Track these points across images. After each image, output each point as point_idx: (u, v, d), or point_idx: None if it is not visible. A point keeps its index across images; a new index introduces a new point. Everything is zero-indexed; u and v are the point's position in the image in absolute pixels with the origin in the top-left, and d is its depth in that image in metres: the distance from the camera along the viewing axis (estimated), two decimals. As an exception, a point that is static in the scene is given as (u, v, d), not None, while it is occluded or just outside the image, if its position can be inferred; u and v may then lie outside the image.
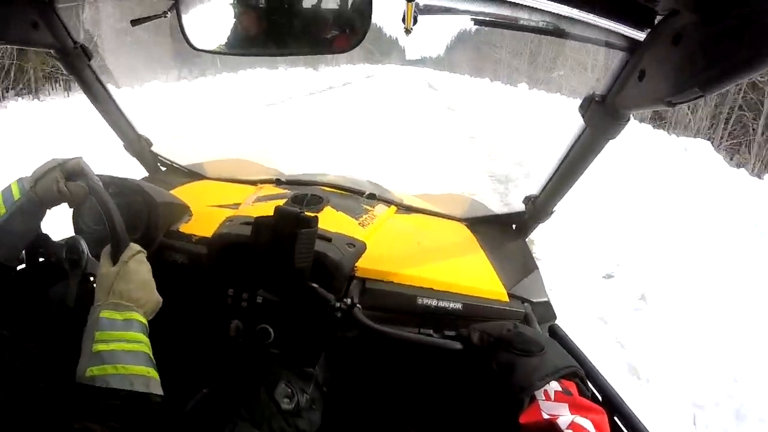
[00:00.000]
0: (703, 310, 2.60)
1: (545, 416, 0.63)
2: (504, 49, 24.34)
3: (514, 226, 1.23)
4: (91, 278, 0.87)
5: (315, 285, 0.84)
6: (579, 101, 0.85)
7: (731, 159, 9.56)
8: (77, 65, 1.05)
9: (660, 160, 5.77)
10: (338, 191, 1.24)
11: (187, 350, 0.91)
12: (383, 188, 1.35)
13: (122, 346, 0.64)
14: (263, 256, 0.83)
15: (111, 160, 1.43)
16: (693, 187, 4.81)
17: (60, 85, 8.07)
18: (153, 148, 1.32)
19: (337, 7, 0.66)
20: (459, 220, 1.26)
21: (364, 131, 7.72)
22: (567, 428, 0.60)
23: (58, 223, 0.95)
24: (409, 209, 1.26)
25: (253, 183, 1.30)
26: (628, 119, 0.80)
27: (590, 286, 2.92)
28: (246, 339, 0.88)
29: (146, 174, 1.36)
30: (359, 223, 1.06)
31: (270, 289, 0.87)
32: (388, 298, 0.91)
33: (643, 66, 0.66)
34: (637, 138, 6.44)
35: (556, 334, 0.98)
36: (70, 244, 0.82)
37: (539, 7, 0.71)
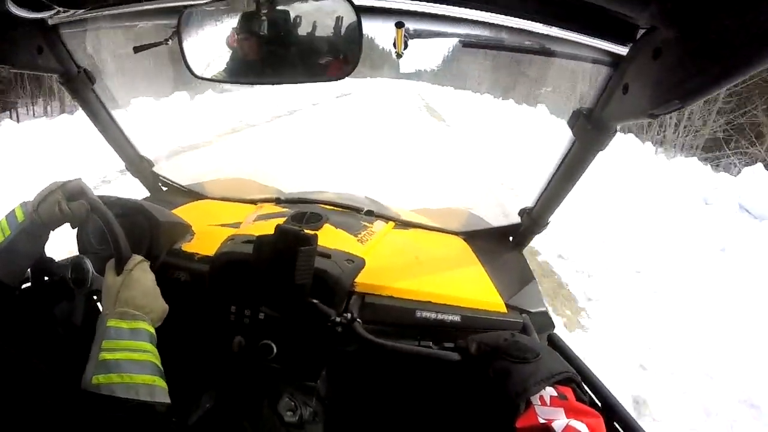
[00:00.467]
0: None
1: (541, 421, 0.64)
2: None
3: (510, 238, 1.25)
4: (96, 296, 0.89)
5: (315, 301, 0.86)
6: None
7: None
8: (80, 89, 1.09)
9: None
10: (337, 209, 1.26)
11: (190, 366, 0.92)
12: (381, 205, 1.37)
13: (128, 355, 0.65)
14: (265, 274, 0.85)
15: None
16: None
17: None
18: (154, 169, 1.35)
19: (330, 36, 0.69)
20: (456, 233, 1.28)
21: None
22: None
23: (61, 247, 0.97)
24: (406, 224, 1.28)
25: (253, 202, 1.32)
26: (615, 131, 0.82)
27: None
28: (249, 355, 0.90)
29: (148, 194, 1.38)
30: (358, 240, 1.08)
31: (271, 306, 0.89)
32: (387, 312, 0.93)
33: (626, 80, 0.69)
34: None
35: (554, 343, 1.00)
36: (75, 263, 0.84)
37: (525, 28, 0.74)
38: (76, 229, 0.96)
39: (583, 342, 2.62)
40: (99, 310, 0.75)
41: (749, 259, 3.77)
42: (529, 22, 0.73)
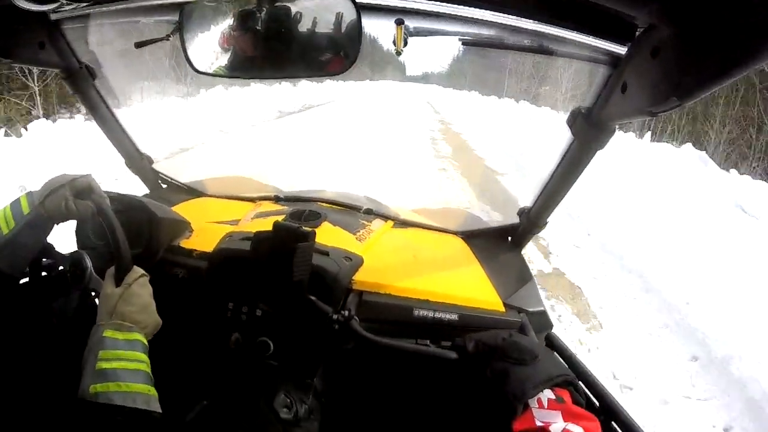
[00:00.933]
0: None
1: (538, 424, 0.64)
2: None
3: (509, 238, 1.25)
4: (93, 293, 0.89)
5: (313, 298, 0.86)
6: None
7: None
8: (82, 85, 1.09)
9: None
10: (335, 207, 1.26)
11: (187, 362, 0.92)
12: (380, 203, 1.37)
13: (124, 365, 0.66)
14: (262, 270, 0.85)
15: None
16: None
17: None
18: (154, 166, 1.35)
19: (330, 33, 0.70)
20: (454, 233, 1.28)
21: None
22: None
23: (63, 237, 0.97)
24: (405, 223, 1.29)
25: (252, 200, 1.32)
26: (614, 130, 0.83)
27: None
28: (246, 351, 0.89)
29: (147, 191, 1.39)
30: (356, 238, 1.08)
31: (269, 302, 0.89)
32: (385, 309, 0.93)
33: (625, 79, 0.69)
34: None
35: (553, 342, 0.99)
36: (74, 258, 0.84)
37: (524, 27, 0.75)
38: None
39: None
40: (93, 307, 0.75)
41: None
42: (529, 21, 0.73)
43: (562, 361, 0.92)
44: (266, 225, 0.86)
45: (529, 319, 0.96)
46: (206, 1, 0.72)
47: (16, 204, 0.84)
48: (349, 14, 0.67)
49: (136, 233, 0.94)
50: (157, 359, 0.71)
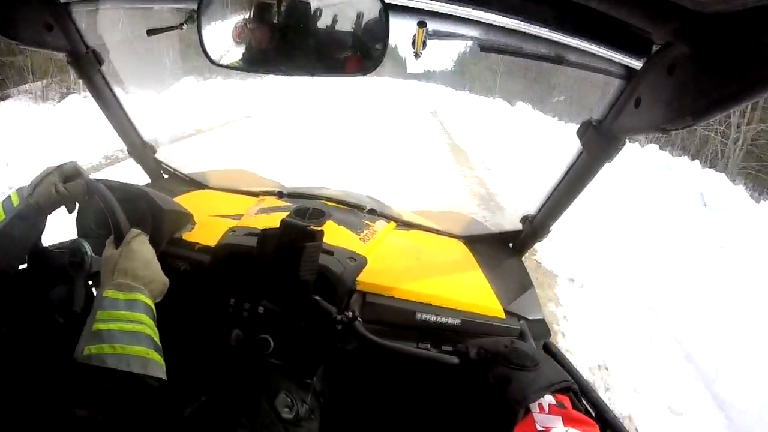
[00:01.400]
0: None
1: (539, 428, 0.64)
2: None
3: (511, 244, 1.25)
4: (95, 279, 0.88)
5: (318, 297, 0.85)
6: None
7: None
8: (88, 69, 1.07)
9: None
10: (339, 206, 1.25)
11: (186, 357, 0.91)
12: (383, 204, 1.36)
13: (122, 326, 0.63)
14: (268, 268, 0.84)
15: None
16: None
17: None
18: (157, 155, 1.33)
19: (351, 32, 0.69)
20: (457, 237, 1.28)
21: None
22: None
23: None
24: (408, 225, 1.28)
25: (255, 194, 1.31)
26: (624, 144, 0.83)
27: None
28: (246, 348, 0.88)
29: (149, 180, 1.37)
30: (360, 238, 1.07)
31: (273, 300, 0.88)
32: (388, 312, 0.93)
33: (639, 94, 0.69)
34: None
35: (549, 350, 1.00)
36: (72, 247, 0.83)
37: (542, 35, 0.75)
38: (74, 214, 0.94)
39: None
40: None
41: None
42: (547, 29, 0.74)
43: (560, 368, 0.93)
44: (270, 221, 0.86)
45: (528, 327, 0.96)
46: (227, -8, 0.71)
47: (6, 200, 0.82)
48: (372, 13, 0.66)
49: (139, 224, 0.92)
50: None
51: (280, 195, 1.29)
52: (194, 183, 1.37)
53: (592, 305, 3.20)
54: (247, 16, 0.73)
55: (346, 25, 0.69)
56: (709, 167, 8.13)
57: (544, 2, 0.68)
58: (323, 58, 0.72)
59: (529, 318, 0.99)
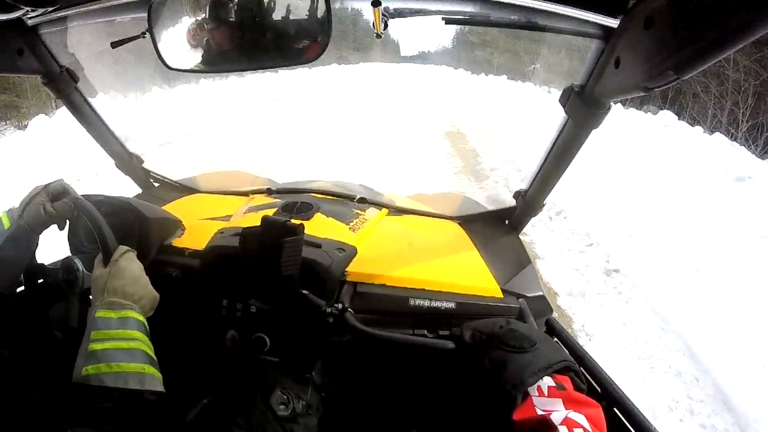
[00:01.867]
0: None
1: (539, 412, 0.62)
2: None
3: (507, 221, 1.23)
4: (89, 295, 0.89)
5: (305, 291, 0.85)
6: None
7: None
8: (64, 88, 1.07)
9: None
10: (329, 197, 1.24)
11: (185, 362, 0.92)
12: (374, 191, 1.35)
13: (117, 344, 0.65)
14: (252, 267, 0.84)
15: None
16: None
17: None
18: (144, 165, 1.34)
19: (303, 19, 0.67)
20: (451, 218, 1.25)
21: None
22: (561, 424, 0.60)
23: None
24: (400, 211, 1.27)
25: (245, 194, 1.31)
26: (609, 108, 0.79)
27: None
28: (242, 348, 0.89)
29: (139, 191, 1.38)
30: (350, 228, 1.06)
31: (261, 299, 0.88)
32: (380, 300, 0.92)
33: (618, 53, 0.66)
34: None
35: (553, 327, 0.98)
36: (65, 264, 0.84)
37: (511, 2, 0.71)
38: (66, 231, 0.96)
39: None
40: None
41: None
42: None
43: (562, 346, 0.91)
44: (257, 220, 0.85)
45: (528, 305, 0.94)
46: (174, -6, 0.69)
47: None
48: (321, -1, 0.64)
49: (126, 234, 0.93)
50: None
51: (270, 192, 1.29)
52: (185, 188, 1.37)
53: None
54: (199, 17, 0.71)
55: (298, 14, 0.67)
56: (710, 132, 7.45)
57: None
58: (280, 49, 0.70)
59: (528, 295, 0.97)
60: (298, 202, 1.11)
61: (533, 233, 3.78)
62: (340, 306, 0.84)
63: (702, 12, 0.48)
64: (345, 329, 0.84)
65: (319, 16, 0.65)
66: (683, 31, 0.51)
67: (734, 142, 6.85)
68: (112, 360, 0.63)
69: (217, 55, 0.73)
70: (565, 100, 0.83)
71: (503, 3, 0.72)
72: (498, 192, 4.86)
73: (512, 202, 1.17)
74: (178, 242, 1.03)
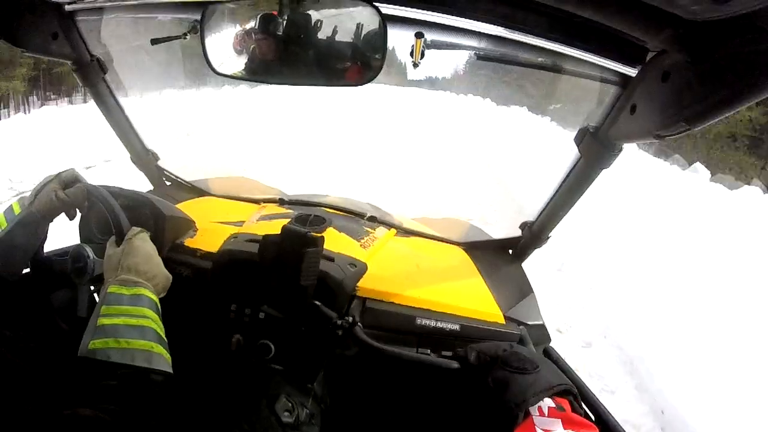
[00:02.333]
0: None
1: (539, 431, 0.64)
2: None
3: (510, 251, 1.26)
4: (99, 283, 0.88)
5: (318, 303, 0.86)
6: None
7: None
8: (92, 77, 1.09)
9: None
10: (339, 213, 1.26)
11: (189, 362, 0.91)
12: (383, 211, 1.37)
13: (126, 320, 0.64)
14: (269, 273, 0.85)
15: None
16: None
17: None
18: (159, 163, 1.34)
19: (350, 42, 0.71)
20: (456, 243, 1.28)
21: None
22: None
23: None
24: (408, 232, 1.29)
25: (257, 201, 1.32)
26: (620, 150, 0.84)
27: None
28: (247, 354, 0.89)
29: (151, 187, 1.38)
30: (361, 245, 1.08)
31: (274, 305, 0.88)
32: (388, 317, 0.93)
33: (635, 101, 0.71)
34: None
35: (550, 356, 1.00)
36: (75, 252, 0.84)
37: (539, 45, 0.77)
38: (75, 222, 0.95)
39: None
40: None
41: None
42: (544, 40, 0.75)
43: (560, 371, 0.93)
44: (271, 228, 0.87)
45: (529, 332, 0.97)
46: (228, 2, 0.73)
47: (8, 209, 0.85)
48: (371, 24, 0.68)
49: (142, 229, 0.93)
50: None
51: (282, 202, 1.30)
52: (196, 190, 1.38)
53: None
54: (248, 27, 0.74)
55: (345, 36, 0.71)
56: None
57: (540, 13, 0.69)
58: (324, 68, 0.73)
59: (529, 323, 0.99)
60: (312, 215, 1.13)
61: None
62: (350, 319, 0.85)
63: (716, 71, 0.53)
64: (353, 343, 0.85)
65: (368, 41, 0.69)
66: (697, 87, 0.56)
67: None
68: (120, 335, 0.62)
69: (260, 66, 0.76)
70: (579, 140, 0.88)
71: (532, 45, 0.77)
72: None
73: (517, 233, 1.20)
74: (190, 242, 1.03)
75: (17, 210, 0.84)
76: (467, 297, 1.01)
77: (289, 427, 0.74)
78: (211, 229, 1.08)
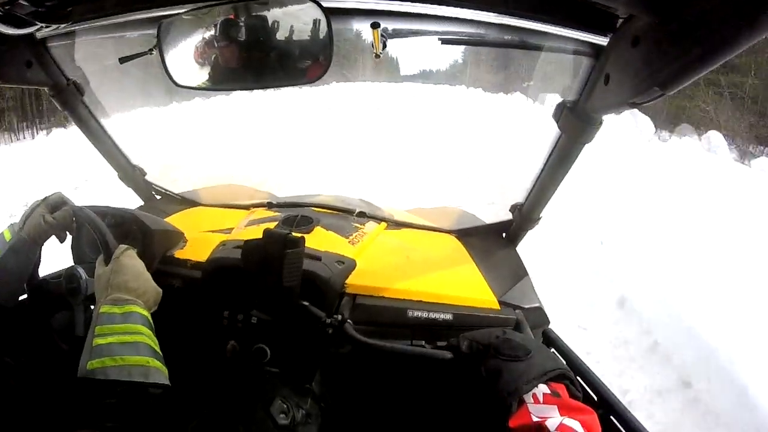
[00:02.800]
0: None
1: (534, 419, 0.63)
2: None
3: (504, 234, 1.25)
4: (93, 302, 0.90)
5: (306, 303, 0.86)
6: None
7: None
8: (71, 101, 1.10)
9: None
10: (328, 211, 1.26)
11: (186, 372, 0.93)
12: (374, 206, 1.37)
13: (120, 338, 0.66)
14: (254, 278, 0.85)
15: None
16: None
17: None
18: (147, 178, 1.35)
19: (306, 40, 0.70)
20: (449, 232, 1.27)
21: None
22: (556, 430, 0.60)
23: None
24: (399, 225, 1.28)
25: (246, 207, 1.33)
26: (601, 123, 0.82)
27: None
28: (243, 359, 0.90)
29: (142, 203, 1.39)
30: (349, 242, 1.08)
31: (262, 309, 0.89)
32: (379, 312, 0.93)
33: (608, 70, 0.68)
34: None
35: (550, 338, 0.99)
36: (68, 273, 0.85)
37: (504, 23, 0.74)
38: (66, 244, 0.97)
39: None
40: None
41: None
42: (509, 17, 0.73)
43: (557, 355, 0.92)
44: (259, 232, 0.87)
45: (525, 316, 0.96)
46: (183, 14, 0.72)
47: None
48: (322, 20, 0.67)
49: (129, 245, 0.94)
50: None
51: (270, 206, 1.31)
52: (186, 201, 1.39)
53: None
54: (207, 36, 0.73)
55: (301, 35, 0.70)
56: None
57: None
58: (284, 69, 0.73)
59: (525, 307, 0.98)
60: (299, 215, 1.13)
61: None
62: (339, 317, 0.85)
63: (685, 30, 0.51)
64: (344, 340, 0.85)
65: (321, 37, 0.68)
66: (668, 49, 0.54)
67: None
68: (116, 353, 0.64)
69: (223, 74, 0.75)
70: (557, 116, 0.86)
71: (498, 24, 0.75)
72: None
73: (509, 216, 1.19)
74: (180, 254, 1.04)
75: (8, 237, 0.86)
76: (460, 285, 1.01)
77: (285, 428, 0.74)
78: (201, 239, 1.09)
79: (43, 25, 0.82)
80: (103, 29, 0.97)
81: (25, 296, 0.92)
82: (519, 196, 1.14)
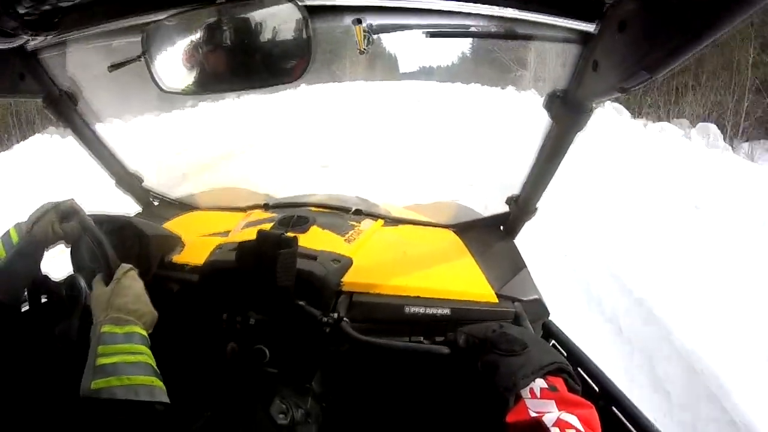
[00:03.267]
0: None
1: (532, 414, 0.62)
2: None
3: (501, 227, 1.24)
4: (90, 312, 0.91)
5: (302, 302, 0.86)
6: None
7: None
8: (65, 111, 1.10)
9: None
10: (325, 210, 1.26)
11: (188, 376, 0.94)
12: (370, 203, 1.37)
13: (125, 358, 0.67)
14: (249, 279, 0.85)
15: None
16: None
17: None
18: (144, 184, 1.36)
19: (289, 39, 0.69)
20: (446, 226, 1.27)
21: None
22: (553, 425, 0.60)
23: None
24: (396, 221, 1.28)
25: (243, 210, 1.33)
26: (592, 110, 0.81)
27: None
28: (243, 360, 0.90)
29: (139, 209, 1.40)
30: (345, 240, 1.08)
31: (259, 310, 0.89)
32: (376, 309, 0.93)
33: (596, 57, 0.68)
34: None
35: (550, 330, 0.98)
36: (69, 282, 0.86)
37: (490, 13, 0.73)
38: (70, 247, 0.98)
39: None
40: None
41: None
42: (495, 7, 0.72)
43: (556, 348, 0.92)
44: (255, 234, 0.87)
45: (524, 308, 0.95)
46: (166, 20, 0.72)
47: (5, 236, 0.87)
48: (302, 19, 0.66)
49: (127, 252, 0.95)
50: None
51: (267, 207, 1.31)
52: (184, 206, 1.40)
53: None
54: (191, 40, 0.73)
55: (285, 34, 0.69)
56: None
57: None
58: (270, 69, 0.73)
59: (524, 299, 0.98)
60: (295, 216, 1.13)
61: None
62: (335, 316, 0.86)
63: (671, 13, 0.50)
64: (342, 338, 0.85)
65: (304, 37, 0.67)
66: (654, 33, 0.53)
67: None
68: (122, 373, 0.64)
69: (209, 77, 0.75)
70: (548, 106, 0.85)
71: (484, 15, 0.74)
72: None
73: (506, 208, 1.18)
74: (177, 258, 1.05)
75: (14, 237, 0.87)
76: (457, 279, 1.00)
77: (285, 428, 0.75)
78: (199, 243, 1.10)
79: (33, 36, 0.82)
80: (93, 38, 0.97)
81: (26, 306, 0.93)
82: (515, 188, 1.13)
